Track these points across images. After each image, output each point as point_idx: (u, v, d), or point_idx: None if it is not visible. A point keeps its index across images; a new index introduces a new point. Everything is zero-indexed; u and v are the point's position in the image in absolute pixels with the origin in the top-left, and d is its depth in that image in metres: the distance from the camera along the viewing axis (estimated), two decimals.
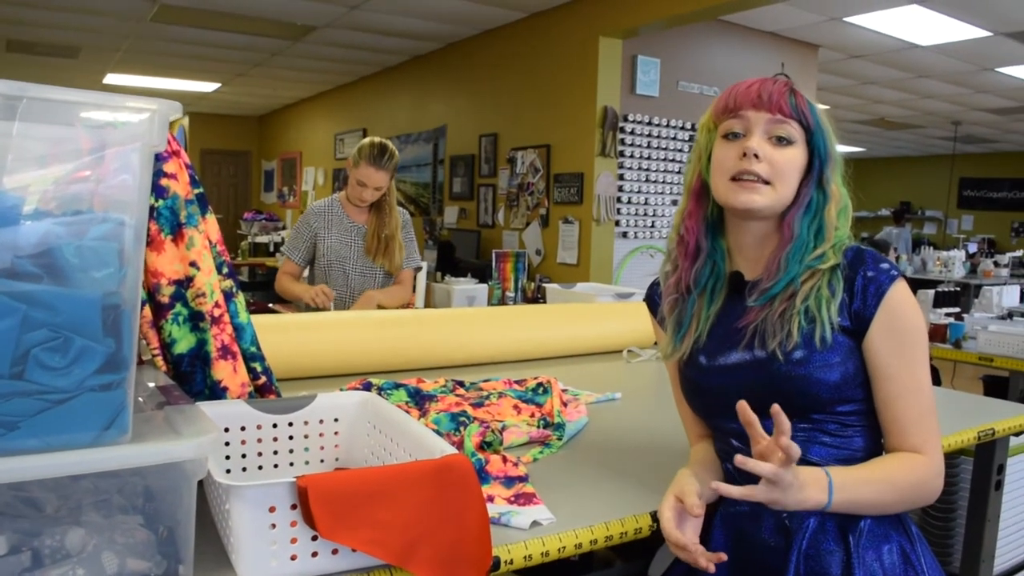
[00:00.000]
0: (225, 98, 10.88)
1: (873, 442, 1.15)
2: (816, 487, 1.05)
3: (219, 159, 12.95)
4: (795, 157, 1.17)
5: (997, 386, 4.81)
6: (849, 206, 1.21)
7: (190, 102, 11.25)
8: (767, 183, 1.15)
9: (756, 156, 1.15)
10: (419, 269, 3.37)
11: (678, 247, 1.27)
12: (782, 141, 1.16)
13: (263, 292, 7.80)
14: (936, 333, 4.39)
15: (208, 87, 9.92)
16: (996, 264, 9.37)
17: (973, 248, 11.15)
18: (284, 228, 10.41)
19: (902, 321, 1.12)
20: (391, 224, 3.13)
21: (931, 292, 4.87)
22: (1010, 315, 4.94)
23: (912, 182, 14.75)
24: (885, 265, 1.13)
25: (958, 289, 5.64)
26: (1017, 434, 1.95)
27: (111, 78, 9.19)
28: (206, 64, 8.36)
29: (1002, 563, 2.11)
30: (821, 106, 1.20)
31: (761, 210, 1.16)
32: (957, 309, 4.91)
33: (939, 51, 6.34)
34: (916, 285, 7.19)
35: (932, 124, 10.46)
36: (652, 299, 1.39)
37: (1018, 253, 10.41)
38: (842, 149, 1.23)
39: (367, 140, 3.05)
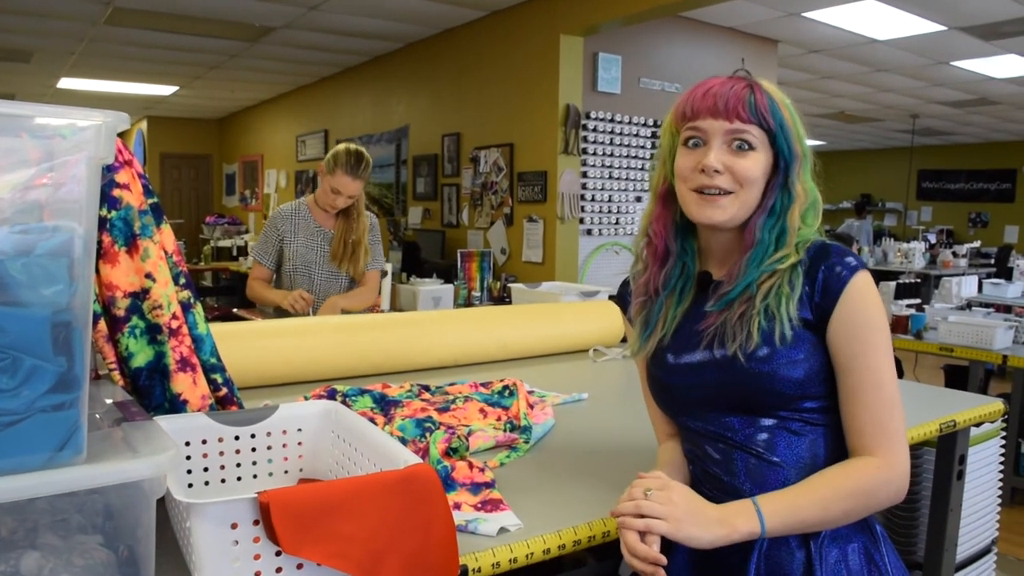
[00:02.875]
0: (184, 101, 10.73)
1: (837, 441, 1.14)
2: (743, 516, 1.05)
3: (179, 163, 12.77)
4: (757, 163, 1.15)
5: (958, 375, 4.90)
6: (818, 201, 1.20)
7: (148, 105, 11.09)
8: (730, 193, 1.14)
9: (717, 171, 1.13)
10: (385, 273, 3.36)
11: (647, 249, 1.27)
12: (742, 148, 1.14)
13: (227, 297, 7.72)
14: (898, 324, 4.47)
15: (166, 90, 9.76)
16: (955, 255, 9.54)
17: (932, 239, 11.34)
18: (247, 232, 10.32)
19: (862, 313, 1.10)
20: (358, 230, 3.11)
21: (892, 284, 4.95)
22: (969, 305, 5.04)
23: (872, 174, 14.98)
24: (849, 258, 1.12)
25: (919, 280, 5.74)
26: (978, 424, 1.98)
27: (65, 82, 9.01)
28: (163, 67, 8.23)
29: (964, 551, 2.15)
30: (787, 99, 1.19)
31: (724, 223, 1.16)
32: (918, 300, 5.00)
33: (896, 45, 6.44)
34: (878, 276, 7.29)
35: (891, 117, 10.62)
36: (623, 298, 1.38)
37: (976, 244, 10.62)
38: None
39: (342, 147, 3.02)
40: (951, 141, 13.39)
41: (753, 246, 1.16)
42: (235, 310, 6.34)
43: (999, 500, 2.33)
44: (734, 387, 1.14)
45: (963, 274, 7.13)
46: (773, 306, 1.11)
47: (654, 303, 1.25)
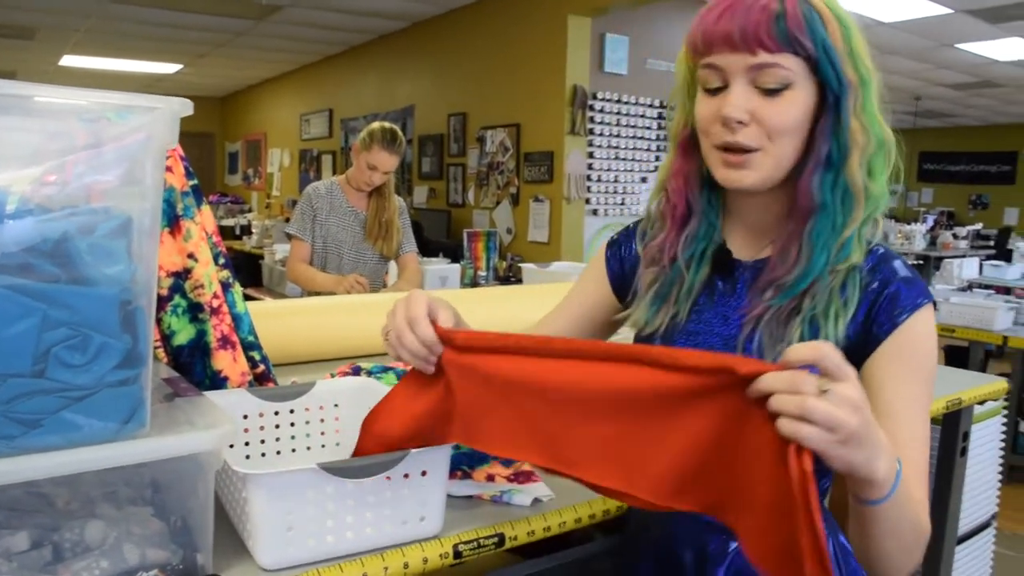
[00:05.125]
0: (187, 79, 10.71)
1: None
2: (888, 458, 0.75)
3: (181, 141, 12.34)
4: (794, 106, 0.91)
5: (958, 356, 4.97)
6: (888, 143, 0.95)
7: (151, 84, 11.06)
8: (759, 149, 0.92)
9: (740, 122, 0.91)
10: (418, 253, 3.44)
11: (664, 207, 1.07)
12: (774, 88, 0.90)
13: (235, 276, 7.74)
14: None
15: (170, 68, 9.75)
16: (956, 236, 9.58)
17: (933, 220, 11.37)
18: (250, 211, 10.33)
19: (914, 358, 0.91)
20: (390, 209, 3.22)
21: None
22: (970, 287, 5.08)
23: None
24: (919, 284, 0.93)
25: (920, 262, 5.78)
26: (981, 403, 2.04)
27: (68, 60, 9.00)
28: (167, 45, 8.22)
29: (965, 525, 2.21)
30: (836, 5, 0.94)
31: (756, 187, 0.95)
32: None
33: (902, 28, 6.44)
34: None
35: (894, 99, 10.50)
36: (620, 243, 1.19)
37: (977, 226, 10.65)
38: None
39: (376, 125, 3.12)
40: (953, 123, 13.39)
41: (813, 212, 0.93)
42: (244, 290, 6.38)
43: (999, 477, 2.40)
44: None
45: (964, 256, 7.17)
46: (821, 317, 0.92)
47: (669, 272, 1.05)
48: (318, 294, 3.03)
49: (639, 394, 0.79)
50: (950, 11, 5.86)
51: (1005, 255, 7.97)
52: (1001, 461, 2.39)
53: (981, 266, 5.85)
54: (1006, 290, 5.22)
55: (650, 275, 1.07)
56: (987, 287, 5.15)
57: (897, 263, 0.95)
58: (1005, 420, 2.38)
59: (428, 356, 0.93)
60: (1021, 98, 10.29)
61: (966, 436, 2.04)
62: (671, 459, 0.79)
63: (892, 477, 0.76)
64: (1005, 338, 4.08)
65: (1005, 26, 6.30)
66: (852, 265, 0.93)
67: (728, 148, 0.93)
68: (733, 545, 1.01)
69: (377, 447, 1.00)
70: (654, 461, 0.80)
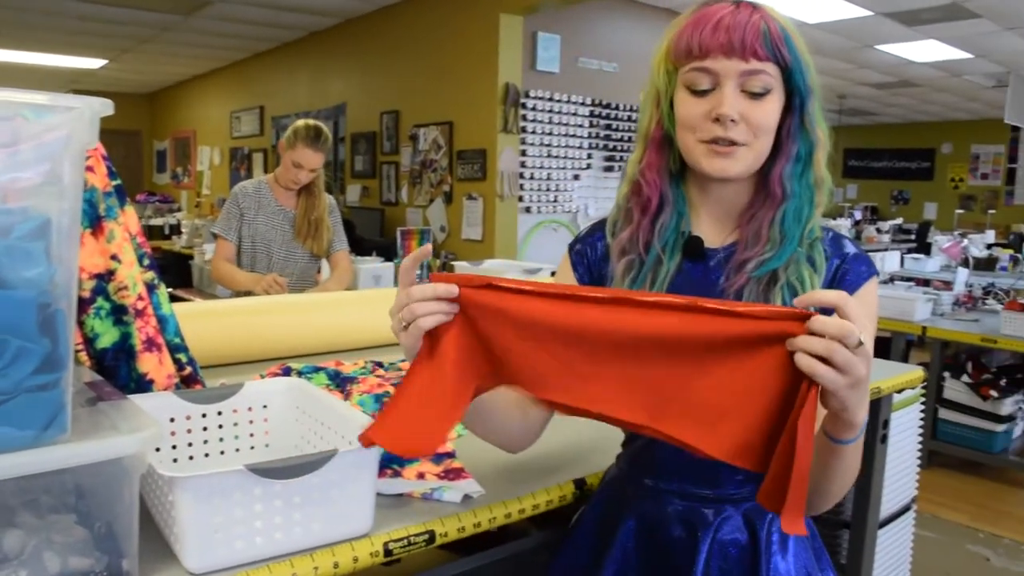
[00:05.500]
0: (112, 75, 10.41)
1: None
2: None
3: (107, 139, 12.11)
4: (774, 107, 1.03)
5: (880, 345, 5.13)
6: (827, 143, 1.10)
7: (75, 79, 10.72)
8: (746, 144, 1.03)
9: (733, 121, 1.01)
10: (350, 251, 3.41)
11: (634, 199, 1.14)
12: (759, 92, 1.02)
13: (161, 277, 7.56)
14: None
15: (94, 63, 9.46)
16: (879, 231, 9.89)
17: (858, 215, 11.72)
18: (179, 210, 10.10)
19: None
20: (319, 207, 3.19)
21: None
22: (892, 279, 5.26)
23: None
24: (863, 262, 1.08)
25: None
26: (900, 391, 2.11)
27: None
28: (92, 39, 7.98)
29: (886, 509, 2.29)
30: (788, 18, 1.06)
31: (739, 175, 1.05)
32: None
33: (825, 29, 6.62)
34: None
35: (821, 98, 10.88)
36: (583, 248, 1.21)
37: (898, 220, 11.01)
38: None
39: (301, 122, 3.09)
40: (875, 121, 13.81)
41: (783, 200, 1.06)
42: (170, 290, 6.24)
43: (919, 462, 2.49)
44: None
45: (886, 249, 7.41)
46: (797, 283, 1.03)
47: (644, 261, 1.11)
48: (246, 294, 3.00)
49: (681, 338, 0.86)
50: (869, 13, 6.05)
51: (925, 248, 8.26)
52: (920, 447, 2.49)
53: (902, 259, 6.07)
54: (925, 282, 5.42)
55: (623, 265, 1.13)
56: (908, 279, 5.34)
57: (846, 241, 1.10)
58: (923, 407, 2.48)
59: (448, 291, 0.94)
60: (937, 98, 10.68)
61: (886, 424, 2.11)
62: (697, 394, 0.87)
63: (865, 415, 0.88)
64: (924, 328, 4.24)
65: (919, 28, 6.53)
66: (816, 238, 1.06)
67: (717, 142, 1.03)
68: (716, 517, 1.10)
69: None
70: (681, 397, 0.88)
